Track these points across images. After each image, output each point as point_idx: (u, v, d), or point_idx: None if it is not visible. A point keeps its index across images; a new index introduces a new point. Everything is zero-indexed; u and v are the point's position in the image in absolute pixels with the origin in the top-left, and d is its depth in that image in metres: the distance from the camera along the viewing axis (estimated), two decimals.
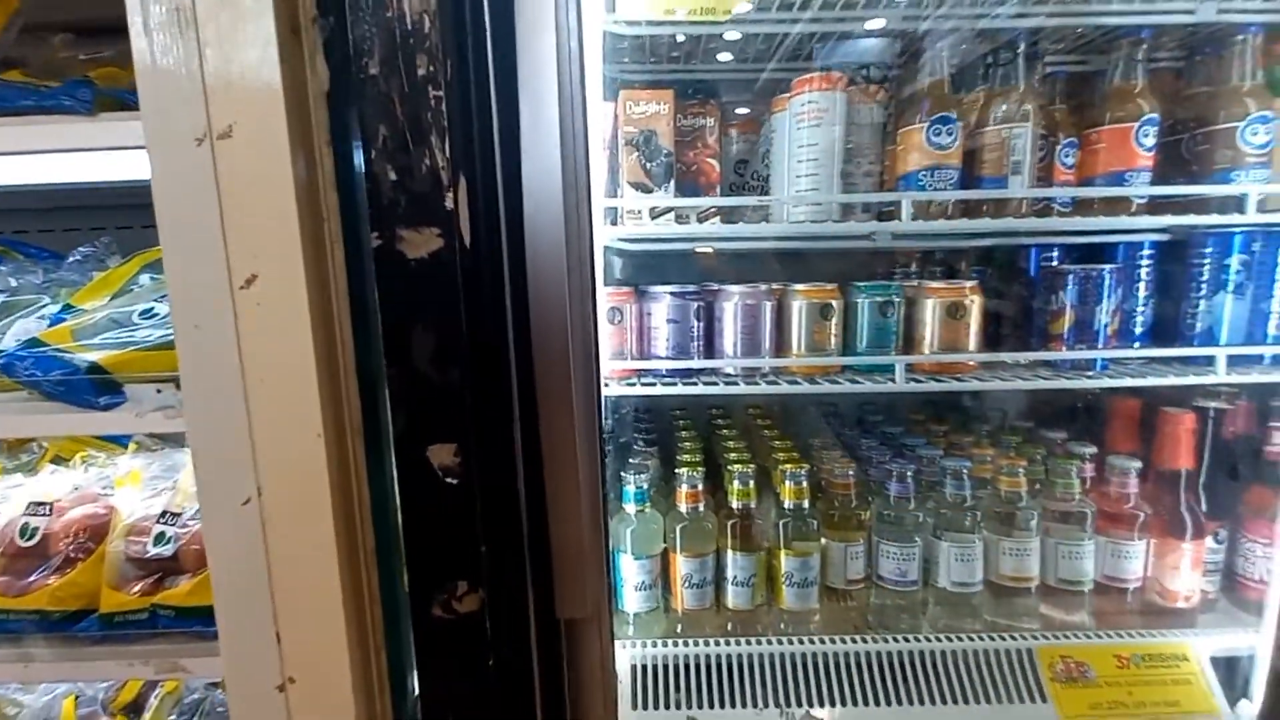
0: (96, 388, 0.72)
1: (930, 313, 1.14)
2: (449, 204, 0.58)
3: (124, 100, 0.72)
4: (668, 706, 1.06)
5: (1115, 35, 1.13)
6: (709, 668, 1.10)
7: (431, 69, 0.57)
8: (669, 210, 1.12)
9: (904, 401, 1.48)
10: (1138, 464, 1.16)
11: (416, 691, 0.75)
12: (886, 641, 1.11)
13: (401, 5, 0.55)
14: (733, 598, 1.15)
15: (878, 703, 1.06)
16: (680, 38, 1.18)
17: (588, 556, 0.76)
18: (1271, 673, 1.09)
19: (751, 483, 1.13)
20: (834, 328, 1.14)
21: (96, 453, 1.03)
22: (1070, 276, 1.15)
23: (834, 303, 1.14)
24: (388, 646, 0.71)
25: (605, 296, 1.12)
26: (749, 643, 1.12)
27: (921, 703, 1.06)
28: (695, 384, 1.13)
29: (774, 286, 1.16)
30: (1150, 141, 1.09)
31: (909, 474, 1.15)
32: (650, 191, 1.10)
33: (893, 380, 1.13)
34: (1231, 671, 1.11)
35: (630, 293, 1.16)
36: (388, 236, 0.59)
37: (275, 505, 0.64)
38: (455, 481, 0.63)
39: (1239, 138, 1.06)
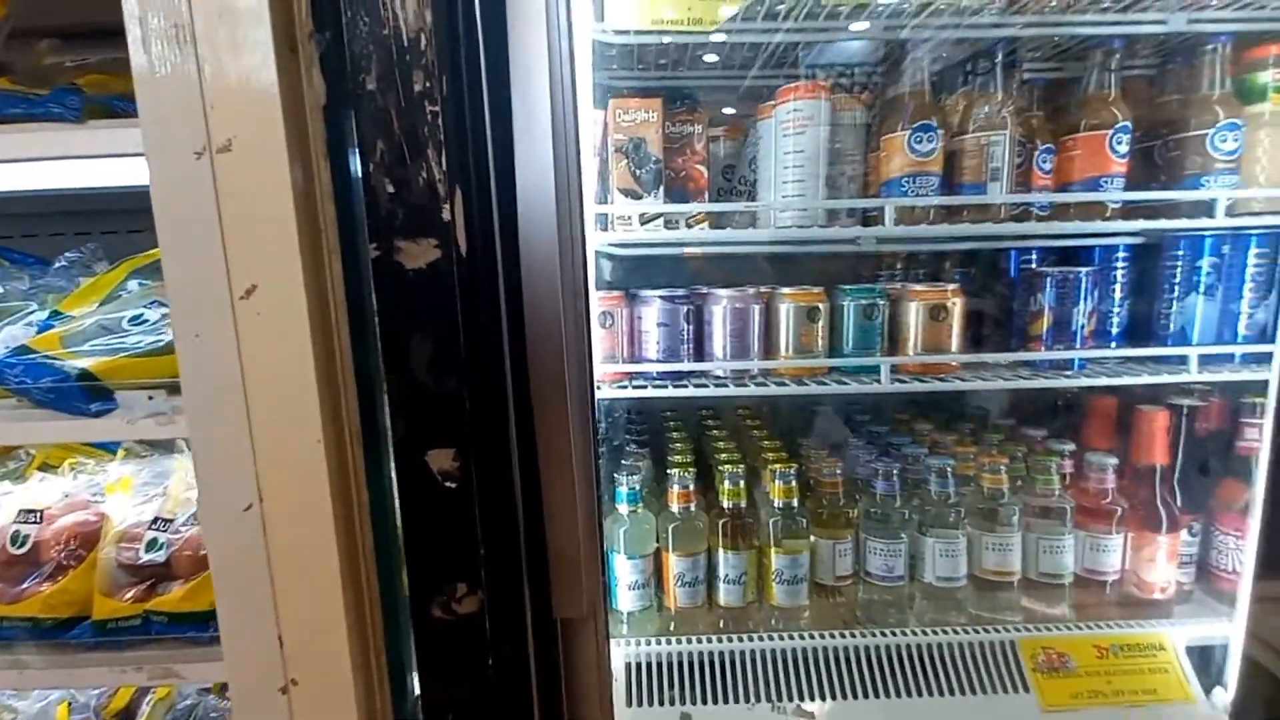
0: (87, 394, 0.72)
1: (914, 315, 1.17)
2: (446, 216, 0.60)
3: (113, 107, 0.72)
4: (662, 703, 1.08)
5: (1089, 44, 1.16)
6: (702, 664, 1.12)
7: (428, 84, 0.58)
8: (659, 216, 1.14)
9: (890, 402, 1.51)
10: (1115, 460, 1.19)
11: (417, 692, 0.76)
12: (874, 636, 1.14)
13: (398, 22, 0.57)
14: (725, 595, 1.18)
15: (866, 695, 1.09)
16: (664, 41, 1.20)
17: (584, 557, 0.78)
18: (1244, 661, 1.13)
19: (742, 482, 1.16)
20: (821, 330, 1.16)
21: (85, 460, 1.03)
22: (1048, 279, 1.19)
23: (820, 305, 1.16)
24: (387, 648, 0.73)
25: (596, 301, 1.14)
26: (741, 639, 1.15)
27: (909, 694, 1.09)
28: (686, 386, 1.15)
29: (762, 290, 1.18)
30: (1124, 148, 1.12)
31: (895, 472, 1.18)
32: (640, 198, 1.11)
33: (878, 381, 1.15)
34: (1206, 660, 1.15)
35: (621, 297, 1.17)
36: (386, 247, 0.60)
37: (276, 510, 0.65)
38: (454, 485, 0.64)
39: (1209, 144, 1.10)
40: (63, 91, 0.70)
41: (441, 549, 0.66)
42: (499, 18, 0.66)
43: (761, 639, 1.14)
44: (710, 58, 1.31)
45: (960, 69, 1.19)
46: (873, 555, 1.19)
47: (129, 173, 0.81)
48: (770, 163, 1.16)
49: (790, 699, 1.09)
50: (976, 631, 1.14)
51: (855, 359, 1.17)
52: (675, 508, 1.16)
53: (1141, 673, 1.11)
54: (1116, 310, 1.23)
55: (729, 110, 1.33)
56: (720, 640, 1.15)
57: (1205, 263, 1.15)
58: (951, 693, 1.09)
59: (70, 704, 1.00)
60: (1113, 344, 1.23)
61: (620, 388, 1.15)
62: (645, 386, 1.15)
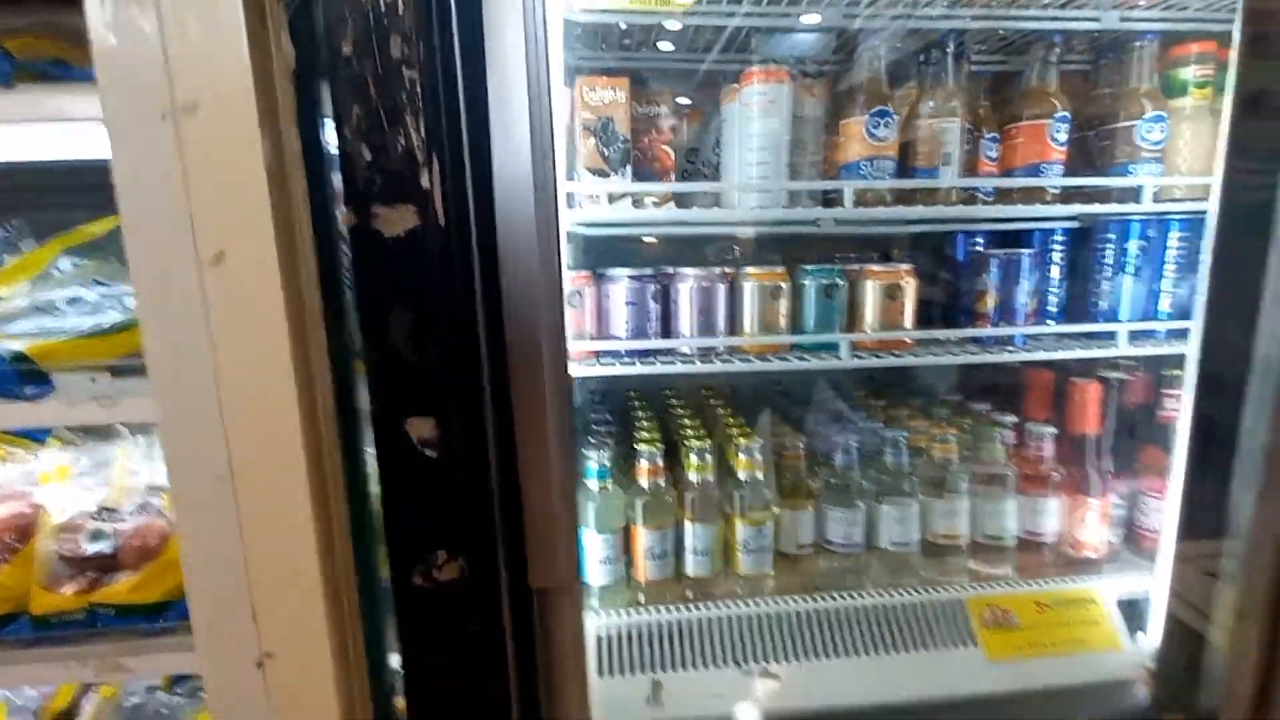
0: (21, 377, 0.69)
1: (870, 294, 1.22)
2: (425, 182, 0.60)
3: (45, 72, 0.69)
4: (633, 671, 1.11)
5: (1031, 38, 1.23)
6: (672, 633, 1.16)
7: (405, 50, 0.58)
8: (626, 195, 1.15)
9: (849, 378, 1.58)
10: (1053, 430, 1.28)
11: (395, 662, 0.76)
12: (834, 600, 1.20)
13: None
14: (693, 567, 1.21)
15: (827, 655, 1.14)
16: (628, 25, 1.21)
17: (560, 526, 0.79)
18: (1168, 616, 1.23)
19: (708, 457, 1.19)
20: (783, 308, 1.20)
21: (13, 449, 0.97)
22: (993, 260, 1.26)
23: (783, 285, 1.20)
24: (364, 619, 0.73)
25: (566, 280, 1.15)
26: (708, 608, 1.18)
27: (866, 653, 1.15)
28: (653, 363, 1.18)
29: (727, 270, 1.22)
30: (1062, 137, 1.19)
31: (853, 445, 1.24)
32: (608, 176, 1.13)
33: (838, 357, 1.20)
34: (1133, 612, 1.25)
35: (589, 276, 1.19)
36: (364, 214, 0.60)
37: (248, 483, 0.64)
38: (434, 454, 0.65)
39: (1136, 135, 1.19)
40: None
41: (422, 517, 0.66)
42: None
43: (728, 606, 1.19)
44: (668, 45, 1.33)
45: (914, 59, 1.24)
46: (833, 524, 1.25)
47: (62, 144, 0.77)
48: (735, 145, 1.19)
49: (757, 661, 1.13)
50: (928, 592, 1.21)
51: (816, 336, 1.22)
52: (645, 483, 1.19)
53: (1076, 625, 1.21)
54: (1055, 290, 1.31)
55: (694, 97, 1.35)
56: (689, 609, 1.18)
57: (1133, 245, 1.24)
58: (906, 649, 1.16)
59: (8, 706, 0.96)
60: (1050, 321, 1.31)
61: (589, 365, 1.17)
62: (613, 364, 1.17)
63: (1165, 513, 1.17)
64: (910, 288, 1.23)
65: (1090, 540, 1.31)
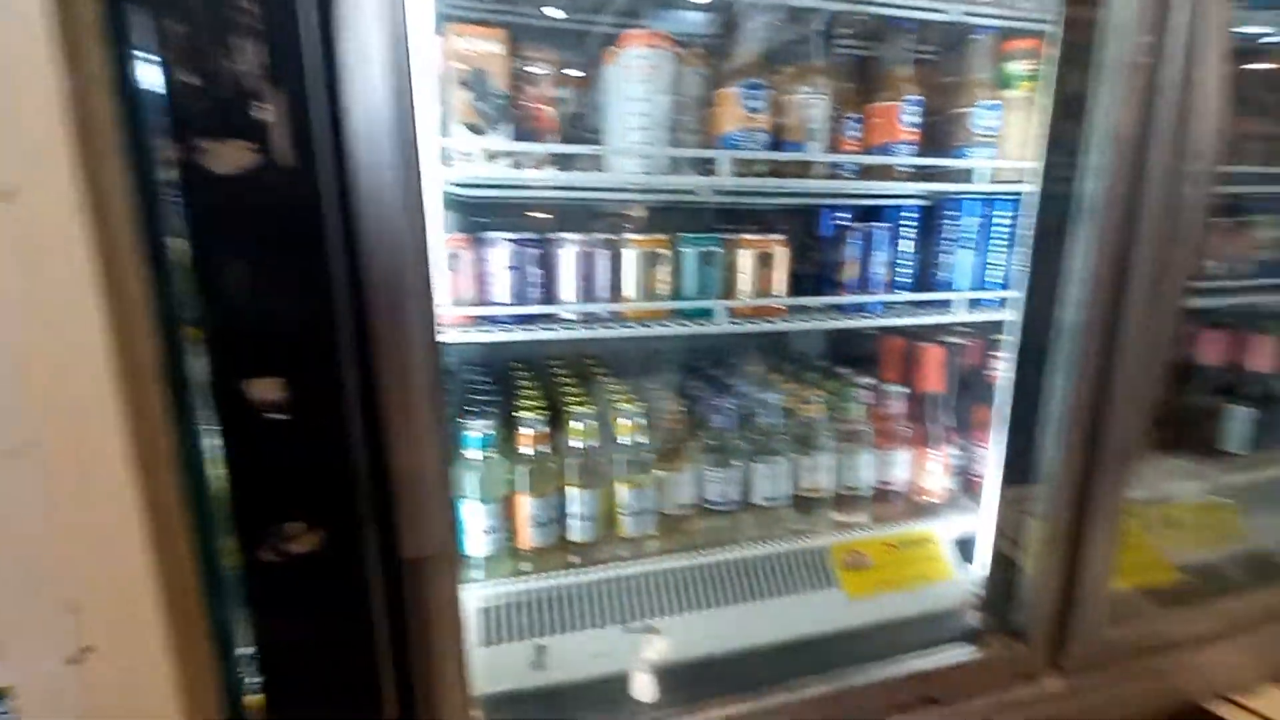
0: None
1: (746, 262, 1.27)
2: (262, 116, 0.54)
3: None
4: (521, 638, 1.11)
5: (888, 24, 1.32)
6: (556, 599, 1.16)
7: None
8: (505, 154, 1.11)
9: (726, 345, 1.64)
10: (904, 390, 1.42)
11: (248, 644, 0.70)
12: (712, 554, 1.26)
13: None
14: (578, 532, 1.22)
15: (707, 606, 1.20)
16: None
17: (432, 492, 0.76)
18: (994, 550, 1.41)
19: (592, 422, 1.20)
20: (664, 274, 1.22)
21: None
22: (853, 233, 1.35)
23: (664, 252, 1.22)
24: (209, 599, 0.66)
25: (444, 243, 1.10)
26: (592, 571, 1.20)
27: (741, 601, 1.22)
28: (535, 329, 1.16)
29: (610, 236, 1.21)
30: (911, 120, 1.30)
31: (730, 408, 1.30)
32: (483, 133, 1.08)
33: (716, 324, 1.25)
34: (966, 547, 1.42)
35: (469, 239, 1.14)
36: (189, 148, 0.53)
37: (58, 456, 0.56)
38: (284, 417, 0.60)
39: (972, 121, 1.32)
40: None
41: (270, 485, 0.61)
42: None
43: (612, 569, 1.21)
44: (556, 11, 1.29)
45: (787, 40, 1.29)
46: (711, 484, 1.31)
47: None
48: (615, 109, 1.18)
49: (640, 619, 1.17)
50: (796, 541, 1.31)
51: (695, 302, 1.25)
52: (528, 451, 1.17)
53: (919, 561, 1.36)
54: (907, 262, 1.43)
55: (578, 61, 1.33)
56: (573, 575, 1.19)
57: (969, 221, 1.39)
58: (777, 594, 1.24)
59: None
60: (901, 291, 1.43)
61: (469, 330, 1.12)
62: (493, 330, 1.13)
63: (989, 460, 1.34)
64: (782, 257, 1.29)
65: (933, 488, 1.47)
